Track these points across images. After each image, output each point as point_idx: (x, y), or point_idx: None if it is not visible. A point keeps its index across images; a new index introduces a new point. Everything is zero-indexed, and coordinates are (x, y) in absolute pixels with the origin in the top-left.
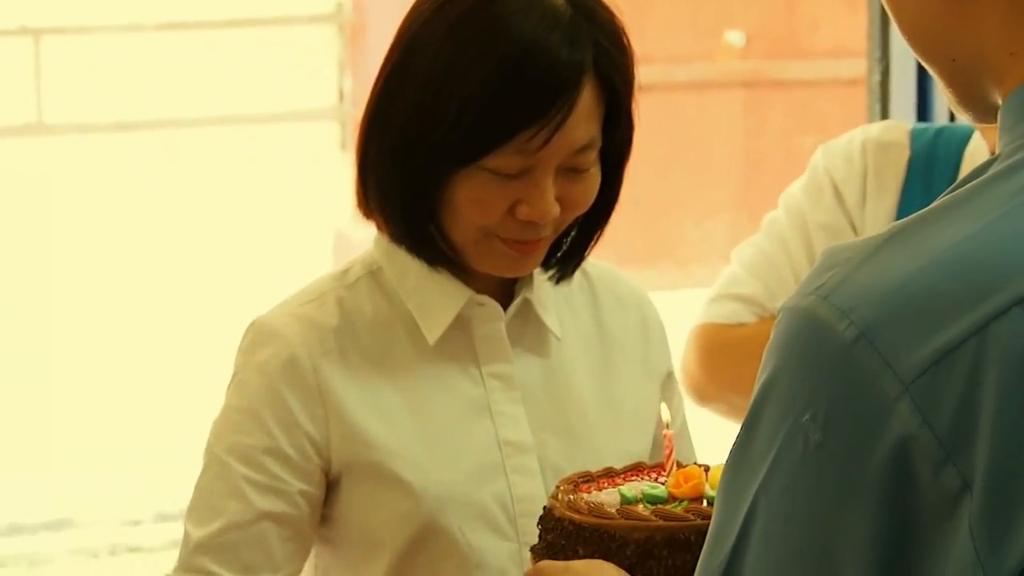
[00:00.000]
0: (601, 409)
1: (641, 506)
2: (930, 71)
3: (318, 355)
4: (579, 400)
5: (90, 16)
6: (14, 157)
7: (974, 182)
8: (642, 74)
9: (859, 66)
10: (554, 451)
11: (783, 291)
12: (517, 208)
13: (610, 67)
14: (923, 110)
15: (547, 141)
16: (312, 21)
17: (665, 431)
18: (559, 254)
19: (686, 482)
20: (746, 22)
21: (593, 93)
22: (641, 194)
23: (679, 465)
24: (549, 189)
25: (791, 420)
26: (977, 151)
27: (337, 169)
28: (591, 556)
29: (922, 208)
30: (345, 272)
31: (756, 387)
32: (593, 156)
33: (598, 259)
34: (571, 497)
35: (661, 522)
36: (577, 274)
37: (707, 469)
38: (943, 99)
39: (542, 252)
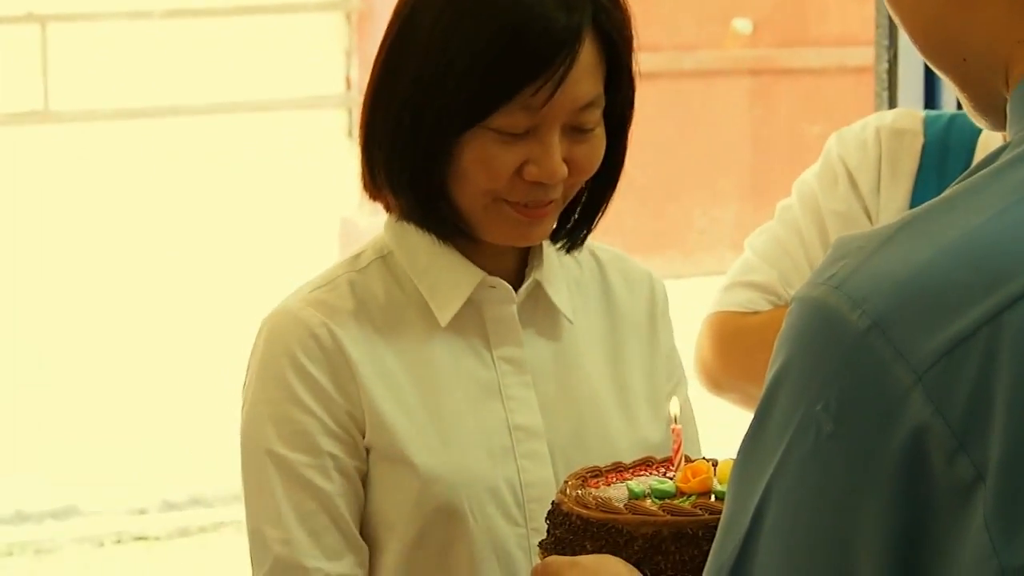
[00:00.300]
0: (612, 394)
1: (649, 501)
2: (945, 78)
3: (340, 334)
4: (590, 384)
5: (96, 3)
6: (20, 144)
7: (984, 171)
8: (649, 62)
9: (867, 54)
10: (564, 436)
11: (798, 279)
12: (525, 169)
13: (608, 23)
14: (931, 98)
15: (551, 95)
16: (319, 9)
17: (673, 425)
18: (568, 226)
19: (694, 477)
20: (753, 10)
21: (593, 49)
22: (648, 182)
23: (687, 460)
24: (556, 147)
25: (803, 410)
26: (991, 137)
27: (344, 157)
28: (599, 551)
29: (937, 195)
30: (356, 257)
31: (768, 377)
32: (597, 115)
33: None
34: (579, 492)
35: (669, 517)
36: (588, 259)
37: (715, 464)
38: (951, 88)
39: (551, 220)
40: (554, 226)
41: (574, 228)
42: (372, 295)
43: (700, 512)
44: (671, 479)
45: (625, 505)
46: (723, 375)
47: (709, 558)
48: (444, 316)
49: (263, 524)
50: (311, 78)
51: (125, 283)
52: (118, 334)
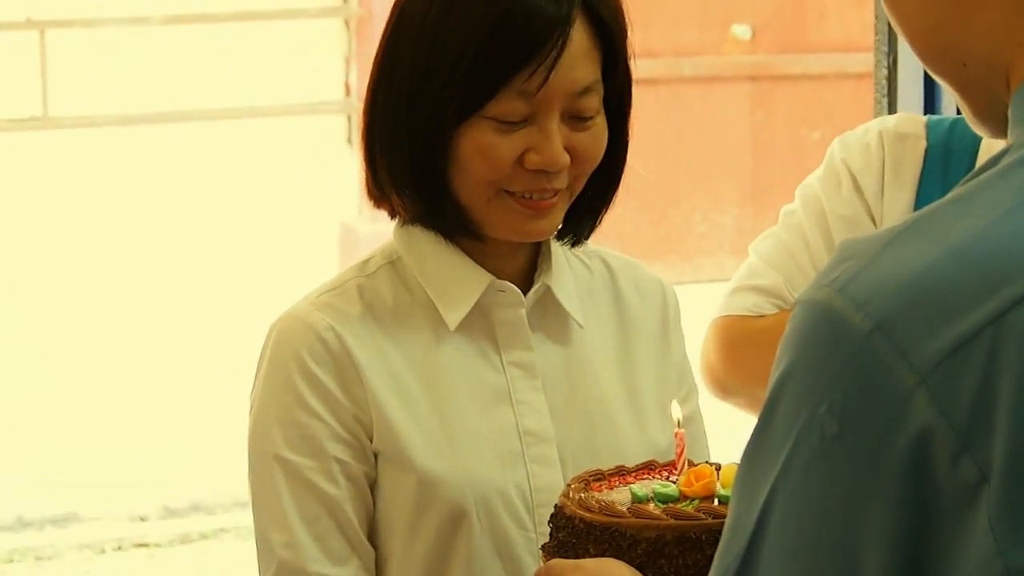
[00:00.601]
0: (622, 399)
1: (652, 505)
2: (944, 84)
3: (347, 337)
4: (600, 389)
5: (96, 9)
6: (20, 150)
7: (986, 174)
8: (649, 68)
9: (866, 60)
10: (574, 441)
11: (803, 282)
12: (526, 157)
13: (600, 8)
14: (930, 105)
15: (545, 79)
16: (318, 15)
17: (676, 430)
18: (572, 220)
19: (697, 481)
20: (753, 16)
21: (586, 33)
22: (648, 188)
23: (691, 464)
24: (555, 133)
25: (807, 412)
26: (993, 141)
27: (343, 163)
28: (602, 554)
29: (940, 199)
30: (365, 263)
31: (772, 380)
32: (596, 102)
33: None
34: (582, 495)
35: (672, 521)
36: (599, 265)
37: (719, 468)
38: (950, 94)
39: (557, 214)
40: (560, 222)
41: (578, 223)
42: (380, 299)
43: (703, 516)
44: (674, 483)
45: (628, 509)
46: (729, 379)
47: (714, 561)
48: (453, 320)
49: (268, 528)
50: (310, 84)
51: (125, 289)
52: (118, 340)
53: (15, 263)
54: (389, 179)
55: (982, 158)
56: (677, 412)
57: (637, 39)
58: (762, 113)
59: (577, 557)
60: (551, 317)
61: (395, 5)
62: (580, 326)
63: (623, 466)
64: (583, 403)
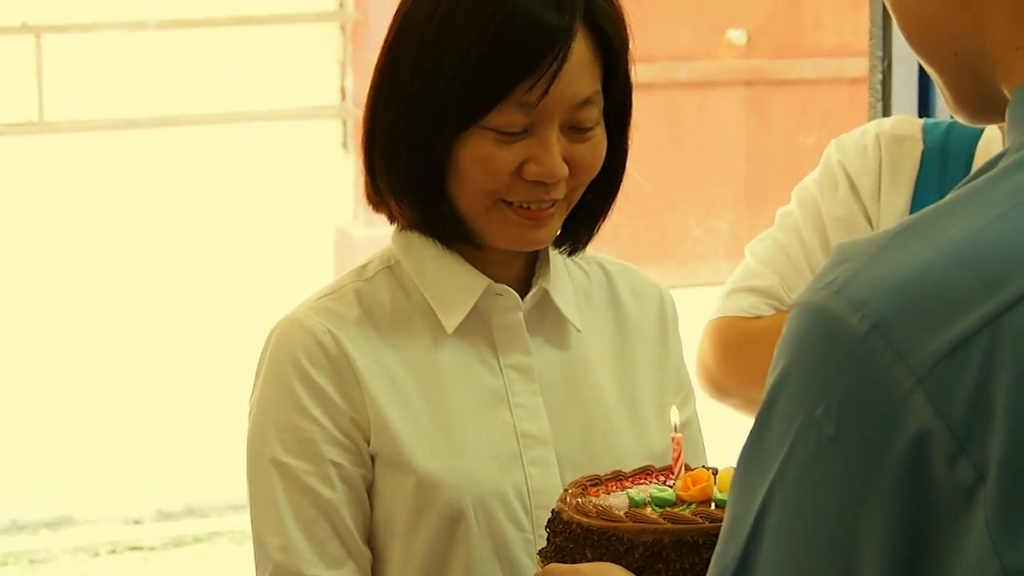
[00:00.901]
0: (620, 403)
1: (649, 509)
2: (928, 68)
3: (344, 340)
4: (598, 393)
5: (91, 13)
6: (15, 155)
7: (983, 177)
8: (644, 73)
9: (861, 65)
10: (572, 444)
11: (799, 283)
12: (525, 168)
13: (602, 17)
14: (924, 109)
15: (545, 91)
16: (314, 19)
17: (673, 434)
18: (570, 229)
19: (694, 485)
20: (748, 20)
21: (587, 44)
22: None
23: (687, 468)
24: (554, 145)
25: (804, 414)
26: (991, 143)
27: (339, 167)
28: (599, 559)
29: (937, 201)
30: (363, 268)
31: (769, 382)
32: (596, 113)
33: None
34: (579, 500)
35: (669, 525)
36: (596, 270)
37: (715, 472)
38: (933, 79)
39: (555, 223)
40: (558, 231)
41: (576, 231)
42: (378, 303)
43: (700, 520)
44: (671, 487)
45: (625, 513)
46: (726, 380)
47: (711, 563)
48: (450, 323)
49: (265, 531)
50: (306, 89)
51: (120, 293)
52: (113, 344)
53: (11, 267)
54: (388, 186)
55: (978, 161)
56: (675, 417)
57: (633, 44)
58: (757, 118)
59: (574, 562)
60: (549, 321)
61: (397, 12)
62: (578, 330)
63: (620, 471)
64: (581, 406)
